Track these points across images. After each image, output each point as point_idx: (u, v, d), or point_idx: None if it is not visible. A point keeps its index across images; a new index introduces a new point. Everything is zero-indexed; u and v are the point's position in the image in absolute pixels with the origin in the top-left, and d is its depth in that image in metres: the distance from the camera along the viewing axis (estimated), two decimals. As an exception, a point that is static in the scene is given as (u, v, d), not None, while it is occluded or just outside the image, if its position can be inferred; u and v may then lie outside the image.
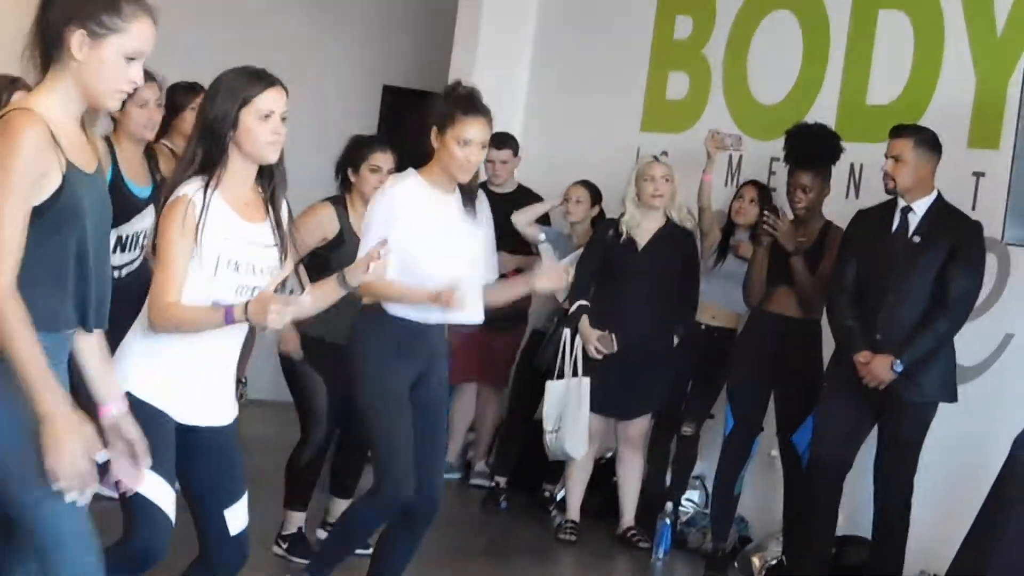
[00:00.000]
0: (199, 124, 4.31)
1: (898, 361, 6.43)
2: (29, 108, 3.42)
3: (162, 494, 4.19)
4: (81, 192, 3.47)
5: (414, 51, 11.76)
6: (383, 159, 6.37)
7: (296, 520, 6.64)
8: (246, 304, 4.09)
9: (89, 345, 3.70)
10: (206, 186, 4.17)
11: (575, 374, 7.52)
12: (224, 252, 4.17)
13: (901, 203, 6.62)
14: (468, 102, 5.37)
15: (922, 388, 6.53)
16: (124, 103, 5.82)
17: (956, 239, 6.56)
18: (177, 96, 6.89)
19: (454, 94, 5.44)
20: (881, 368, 6.45)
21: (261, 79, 4.29)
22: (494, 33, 9.77)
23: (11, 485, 3.39)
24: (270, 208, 4.38)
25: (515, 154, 8.63)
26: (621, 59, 9.17)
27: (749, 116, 8.32)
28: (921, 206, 6.60)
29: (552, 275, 5.83)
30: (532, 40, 9.83)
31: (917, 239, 6.59)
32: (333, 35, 11.49)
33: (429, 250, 5.26)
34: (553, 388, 7.55)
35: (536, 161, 8.94)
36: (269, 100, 4.23)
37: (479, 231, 5.51)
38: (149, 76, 5.91)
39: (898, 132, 6.61)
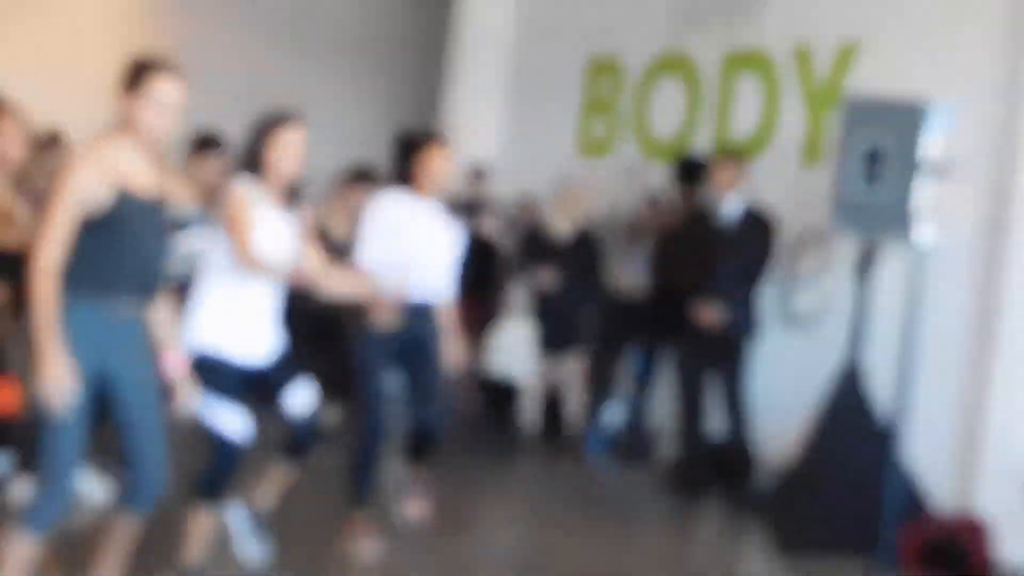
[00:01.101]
0: (247, 145, 4.54)
1: (721, 307, 6.80)
2: (96, 143, 3.73)
3: (234, 423, 4.39)
4: (133, 207, 3.68)
5: (419, 98, 11.59)
6: (297, 134, 4.93)
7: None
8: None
9: (158, 311, 3.93)
10: (253, 182, 4.45)
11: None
12: (272, 222, 4.45)
13: (720, 203, 6.99)
14: (432, 135, 5.66)
15: (737, 325, 6.88)
16: None
17: (755, 229, 6.92)
18: (200, 142, 6.49)
19: (423, 133, 5.77)
20: (710, 313, 6.82)
21: (283, 118, 4.54)
22: (474, 87, 9.93)
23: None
24: (292, 204, 4.60)
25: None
26: (562, 109, 9.40)
27: (650, 148, 8.66)
28: (732, 205, 6.95)
29: None
30: (500, 92, 9.95)
31: (730, 229, 6.94)
32: (343, 86, 11.45)
33: (416, 244, 5.28)
34: (506, 330, 7.94)
35: (509, 176, 9.24)
36: (289, 134, 4.49)
37: (453, 231, 5.53)
38: None
39: (723, 156, 7.13)
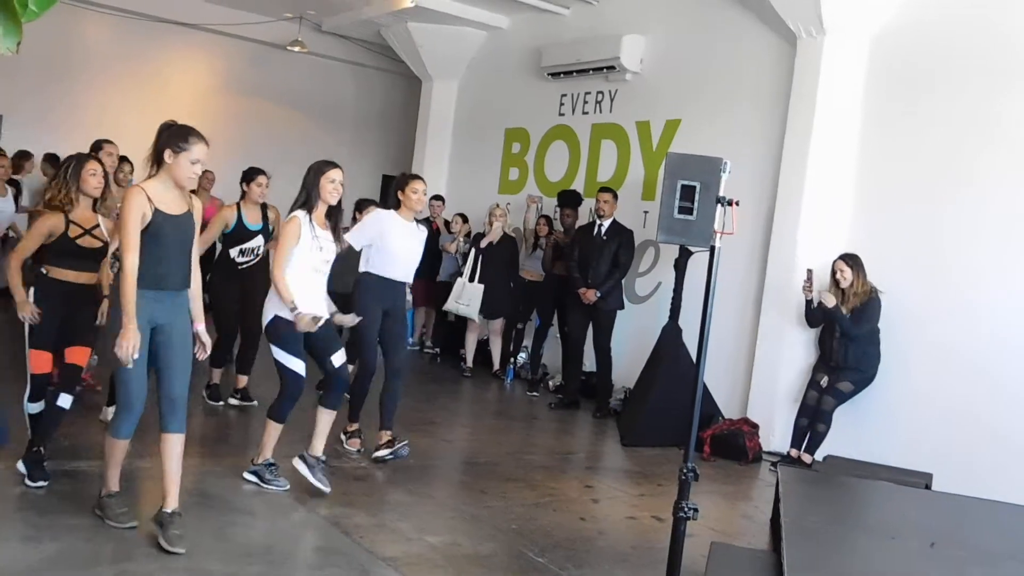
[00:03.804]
0: (303, 185, 4.12)
1: (598, 292, 6.67)
2: (138, 186, 3.27)
3: (297, 365, 4.07)
4: (165, 225, 3.25)
5: (398, 152, 11.34)
6: (337, 174, 4.21)
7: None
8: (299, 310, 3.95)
9: (190, 294, 3.40)
10: (308, 213, 4.08)
11: (471, 280, 7.65)
12: (316, 243, 4.07)
13: (599, 221, 6.84)
14: (414, 175, 4.96)
15: (608, 303, 6.75)
16: (253, 193, 5.45)
17: (621, 237, 6.79)
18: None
19: (406, 174, 4.98)
20: (590, 294, 6.70)
21: (329, 164, 4.16)
22: (433, 145, 9.76)
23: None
24: (334, 226, 4.19)
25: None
26: (489, 160, 9.22)
27: (545, 186, 8.52)
28: (607, 222, 6.81)
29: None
30: (449, 149, 9.75)
31: (604, 237, 6.79)
32: (348, 143, 11.06)
33: (398, 247, 4.80)
34: (459, 281, 7.62)
35: (454, 204, 8.97)
36: (333, 175, 4.12)
37: (421, 240, 4.92)
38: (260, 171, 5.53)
39: (603, 190, 6.96)
